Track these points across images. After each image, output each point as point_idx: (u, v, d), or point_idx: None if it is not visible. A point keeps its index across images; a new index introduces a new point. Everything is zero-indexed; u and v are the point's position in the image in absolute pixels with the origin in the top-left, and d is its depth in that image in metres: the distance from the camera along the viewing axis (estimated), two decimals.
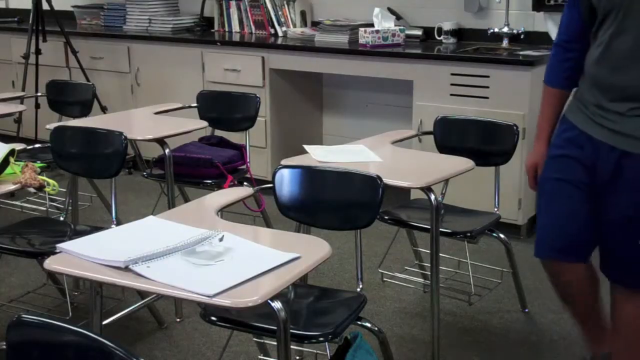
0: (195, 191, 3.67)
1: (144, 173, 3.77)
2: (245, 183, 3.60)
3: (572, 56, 2.22)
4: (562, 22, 2.25)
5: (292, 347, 2.17)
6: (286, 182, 2.49)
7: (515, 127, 3.11)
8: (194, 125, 3.50)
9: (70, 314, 3.11)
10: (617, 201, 2.10)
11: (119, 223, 2.99)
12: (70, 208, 3.58)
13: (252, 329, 2.22)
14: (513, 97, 3.89)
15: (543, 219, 2.31)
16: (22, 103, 4.53)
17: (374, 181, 2.37)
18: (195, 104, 3.97)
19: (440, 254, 2.84)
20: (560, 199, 2.22)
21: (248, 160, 3.75)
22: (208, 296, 1.65)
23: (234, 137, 3.97)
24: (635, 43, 1.98)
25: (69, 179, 3.58)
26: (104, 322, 2.40)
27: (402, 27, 4.53)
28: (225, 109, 3.93)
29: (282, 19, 5.05)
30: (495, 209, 3.20)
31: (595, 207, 2.16)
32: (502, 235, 3.11)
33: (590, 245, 2.24)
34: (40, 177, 2.59)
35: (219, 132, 4.01)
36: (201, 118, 3.87)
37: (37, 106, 5.05)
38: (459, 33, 4.55)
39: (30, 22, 5.08)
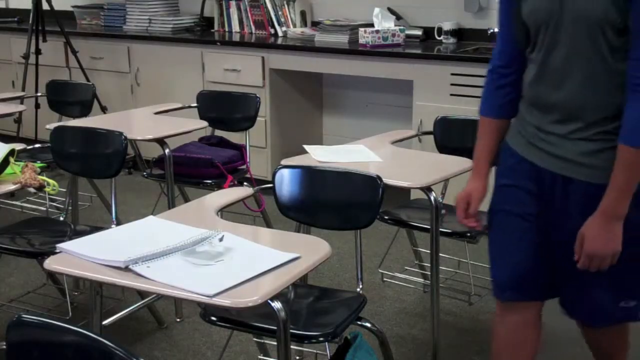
0: (195, 191, 3.67)
1: (144, 173, 3.77)
2: (245, 183, 3.59)
3: (509, 81, 2.04)
4: (495, 47, 2.08)
5: (292, 347, 2.17)
6: (286, 182, 2.49)
7: None
8: (194, 125, 3.50)
9: (70, 314, 3.11)
10: (567, 230, 1.94)
11: (119, 223, 2.99)
12: (70, 208, 3.58)
13: (252, 329, 2.22)
14: None
15: (493, 255, 2.14)
16: (22, 103, 4.53)
17: (374, 181, 2.37)
18: (195, 104, 3.97)
19: (440, 254, 2.84)
20: (508, 232, 2.07)
21: (248, 160, 3.75)
22: (208, 296, 1.65)
23: (234, 137, 3.97)
24: (568, 57, 1.85)
25: (69, 179, 3.58)
26: (104, 322, 2.40)
27: (402, 27, 4.53)
28: (225, 109, 3.93)
29: (282, 19, 5.05)
30: None
31: (547, 239, 2.01)
32: None
33: (541, 282, 2.07)
34: (40, 177, 2.59)
35: (219, 132, 4.01)
36: (201, 118, 3.88)
37: (37, 106, 5.05)
38: (459, 33, 4.55)
39: (30, 22, 5.07)
